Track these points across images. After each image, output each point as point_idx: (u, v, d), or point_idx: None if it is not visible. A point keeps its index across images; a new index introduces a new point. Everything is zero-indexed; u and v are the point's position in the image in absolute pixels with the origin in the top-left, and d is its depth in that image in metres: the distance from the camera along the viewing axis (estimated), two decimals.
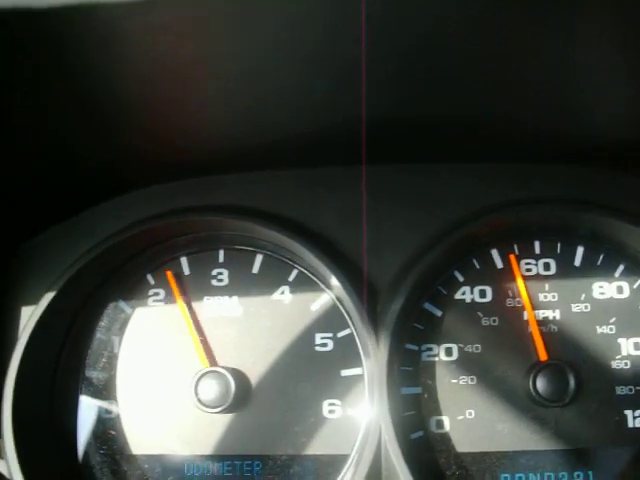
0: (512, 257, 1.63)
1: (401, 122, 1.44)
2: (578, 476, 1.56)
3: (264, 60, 1.18)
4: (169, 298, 1.67)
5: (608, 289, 1.63)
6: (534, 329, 1.58)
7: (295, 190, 1.64)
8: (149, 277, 1.69)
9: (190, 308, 1.66)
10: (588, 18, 1.07)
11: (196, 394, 1.57)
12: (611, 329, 1.60)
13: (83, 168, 1.53)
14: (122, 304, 1.69)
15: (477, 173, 1.62)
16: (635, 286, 1.62)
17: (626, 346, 1.59)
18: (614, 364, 1.59)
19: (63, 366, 1.64)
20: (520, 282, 1.61)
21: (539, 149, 1.57)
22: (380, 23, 1.05)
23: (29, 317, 1.56)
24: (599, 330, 1.61)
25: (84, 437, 1.64)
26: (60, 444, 1.61)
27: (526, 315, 1.60)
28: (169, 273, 1.67)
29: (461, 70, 1.23)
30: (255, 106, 1.35)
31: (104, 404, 1.65)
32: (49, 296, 1.56)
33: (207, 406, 1.56)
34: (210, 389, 1.56)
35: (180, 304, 1.65)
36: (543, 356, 1.56)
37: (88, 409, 1.65)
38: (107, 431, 1.63)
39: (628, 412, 1.57)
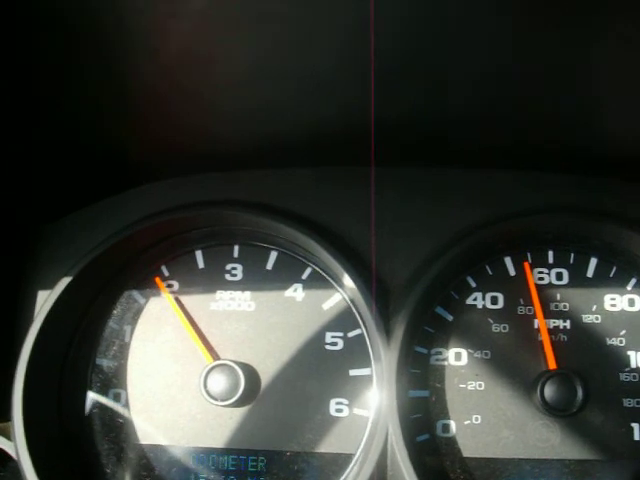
0: (525, 265, 1.64)
1: (417, 125, 1.45)
2: None
3: (280, 58, 1.20)
4: (183, 290, 1.69)
5: (620, 301, 1.62)
6: (544, 337, 1.58)
7: (312, 188, 1.65)
8: (164, 268, 1.71)
9: (202, 301, 1.67)
10: (610, 28, 1.09)
11: (205, 387, 1.58)
12: (621, 341, 1.60)
13: (105, 157, 1.55)
14: (135, 294, 1.70)
15: (495, 179, 1.63)
16: None
17: (635, 359, 1.59)
18: (622, 376, 1.58)
19: (74, 352, 1.66)
20: (532, 290, 1.62)
21: (557, 158, 1.58)
22: (393, 22, 1.07)
23: (44, 301, 1.57)
24: (609, 342, 1.60)
25: (92, 424, 1.65)
26: (68, 429, 1.63)
27: (537, 323, 1.61)
28: (157, 279, 1.69)
29: (478, 73, 1.25)
30: (273, 103, 1.37)
31: (113, 392, 1.66)
32: (65, 282, 1.58)
33: (215, 399, 1.57)
34: (219, 382, 1.57)
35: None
36: (552, 365, 1.57)
37: (97, 397, 1.67)
38: (115, 419, 1.65)
39: (635, 425, 1.56)
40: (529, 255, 1.64)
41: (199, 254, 1.70)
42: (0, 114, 1.29)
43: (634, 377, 1.58)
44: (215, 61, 1.21)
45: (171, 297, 1.67)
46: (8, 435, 1.53)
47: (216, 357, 1.63)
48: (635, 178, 1.60)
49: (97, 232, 1.63)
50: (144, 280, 1.71)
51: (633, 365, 1.59)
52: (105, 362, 1.68)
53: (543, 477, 1.56)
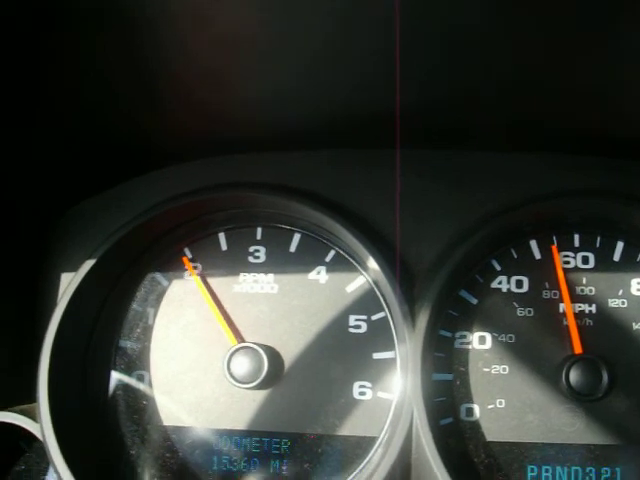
0: (553, 248, 1.62)
1: (441, 108, 1.44)
2: (606, 472, 1.54)
3: (305, 41, 1.18)
4: (206, 272, 1.68)
5: None
6: (571, 322, 1.57)
7: (336, 170, 1.64)
8: (187, 250, 1.70)
9: (226, 284, 1.67)
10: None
11: (228, 369, 1.58)
12: None
13: (128, 139, 1.55)
14: (159, 276, 1.70)
15: (521, 162, 1.61)
16: None
17: None
18: None
19: (98, 334, 1.67)
20: (558, 274, 1.60)
21: (586, 141, 1.55)
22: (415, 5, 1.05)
23: (68, 283, 1.58)
24: (635, 326, 1.59)
25: (116, 405, 1.66)
26: (93, 411, 1.64)
27: (562, 307, 1.59)
28: (185, 259, 1.69)
29: (503, 57, 1.23)
30: (297, 86, 1.36)
31: (136, 374, 1.67)
32: (88, 264, 1.58)
33: (239, 381, 1.57)
34: (243, 365, 1.58)
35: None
36: (578, 349, 1.55)
37: (120, 378, 1.67)
38: (138, 401, 1.66)
39: None
40: (555, 238, 1.62)
41: (222, 236, 1.69)
42: (28, 97, 1.30)
43: None
44: (240, 45, 1.20)
45: (198, 278, 1.67)
46: (34, 416, 1.54)
47: (240, 339, 1.63)
48: None
49: (120, 214, 1.63)
50: (167, 262, 1.71)
51: None
52: (129, 344, 1.68)
53: (567, 462, 1.55)
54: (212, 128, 1.53)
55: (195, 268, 1.69)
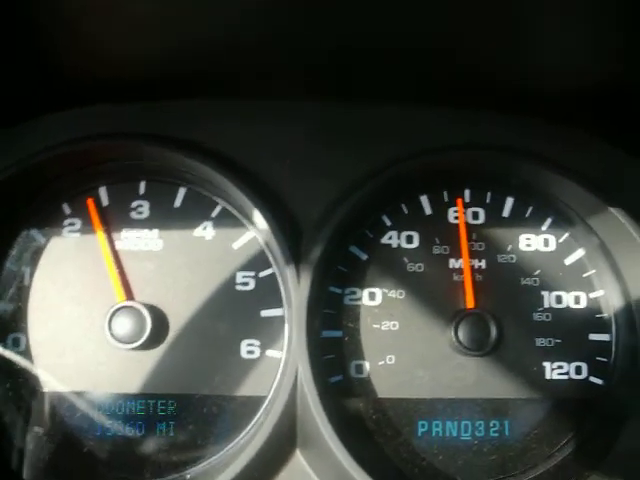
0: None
1: (327, 54, 1.38)
2: (494, 425, 1.57)
3: None
4: (86, 229, 1.60)
5: (535, 242, 1.63)
6: (466, 276, 1.57)
7: (222, 121, 1.57)
8: (65, 206, 1.61)
9: (108, 240, 1.58)
10: None
11: (110, 329, 1.51)
12: (535, 281, 1.61)
13: (4, 85, 1.43)
14: (35, 233, 1.60)
15: (412, 115, 1.58)
16: (561, 240, 1.63)
17: (548, 299, 1.61)
18: (536, 316, 1.60)
19: None
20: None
21: (476, 95, 1.53)
22: None
23: None
24: (523, 282, 1.61)
25: None
26: None
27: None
28: (90, 201, 1.59)
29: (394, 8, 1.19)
30: (184, 23, 1.27)
31: (12, 337, 1.57)
32: None
33: (121, 342, 1.51)
34: (124, 324, 1.52)
35: (99, 235, 1.58)
36: (471, 304, 1.56)
37: None
38: (13, 365, 1.56)
39: (546, 364, 1.59)
40: (445, 194, 1.62)
41: (103, 191, 1.61)
42: None
43: (547, 317, 1.60)
44: None
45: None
46: None
47: (130, 296, 1.56)
48: (553, 117, 1.58)
49: None
50: (44, 219, 1.60)
51: (546, 305, 1.60)
52: (2, 305, 1.58)
53: (457, 416, 1.57)
54: (90, 69, 1.42)
55: (72, 225, 1.60)
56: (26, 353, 1.57)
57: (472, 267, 1.59)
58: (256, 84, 1.51)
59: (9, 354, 1.57)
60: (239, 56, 1.39)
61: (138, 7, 1.20)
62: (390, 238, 1.60)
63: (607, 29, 1.23)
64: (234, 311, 1.57)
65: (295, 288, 1.47)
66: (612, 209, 1.53)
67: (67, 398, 1.56)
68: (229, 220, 1.60)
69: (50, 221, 1.61)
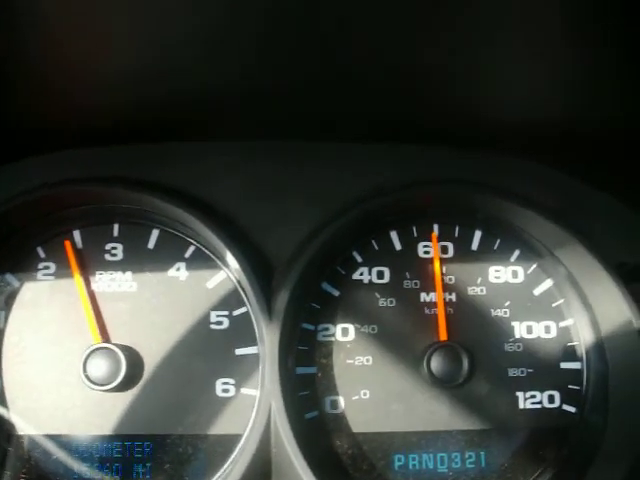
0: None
1: (294, 101, 1.42)
2: (470, 456, 1.59)
3: (165, 14, 1.13)
4: (60, 272, 1.61)
5: (504, 273, 1.66)
6: (440, 309, 1.59)
7: (192, 163, 1.59)
8: (39, 250, 1.62)
9: (83, 282, 1.59)
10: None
11: (85, 371, 1.51)
12: (505, 312, 1.64)
13: None
14: (9, 277, 1.61)
15: (378, 153, 1.61)
16: (529, 271, 1.66)
17: (519, 329, 1.63)
18: (507, 347, 1.62)
19: None
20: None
21: (438, 131, 1.57)
22: None
23: None
24: (494, 313, 1.64)
25: None
26: None
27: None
28: (67, 244, 1.60)
29: (346, 41, 1.21)
30: (149, 70, 1.30)
31: None
32: None
33: (96, 384, 1.51)
34: (100, 366, 1.51)
35: (76, 277, 1.58)
36: (444, 336, 1.58)
37: None
38: None
39: (519, 394, 1.61)
40: (415, 229, 1.65)
41: (77, 234, 1.62)
42: None
43: (518, 347, 1.62)
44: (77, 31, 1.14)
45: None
46: None
47: (105, 338, 1.57)
48: (517, 152, 1.62)
49: None
50: (18, 263, 1.61)
51: (517, 335, 1.63)
52: None
53: (431, 448, 1.58)
54: (61, 116, 1.44)
55: (48, 268, 1.61)
56: (0, 396, 1.56)
57: (443, 300, 1.61)
58: (224, 127, 1.54)
59: None
60: (208, 103, 1.43)
61: (108, 62, 1.23)
62: (361, 274, 1.62)
63: (566, 65, 1.26)
64: (209, 350, 1.58)
65: (268, 326, 1.48)
66: (575, 239, 1.56)
67: (43, 442, 1.55)
68: (202, 260, 1.61)
69: (24, 265, 1.62)
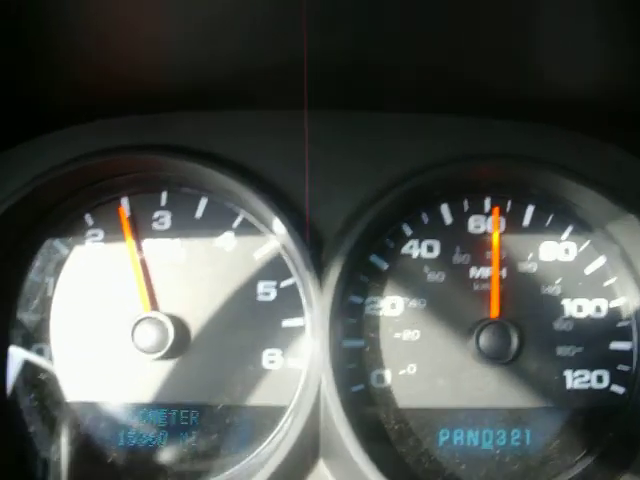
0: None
1: (350, 67, 1.39)
2: (515, 434, 1.57)
3: None
4: (109, 239, 1.61)
5: (555, 250, 1.62)
6: (494, 285, 1.57)
7: (243, 133, 1.57)
8: (87, 217, 1.62)
9: (135, 250, 1.59)
10: None
11: (133, 339, 1.52)
12: (555, 290, 1.61)
13: (23, 98, 1.44)
14: (58, 244, 1.61)
15: (432, 125, 1.58)
16: (582, 248, 1.63)
17: (569, 308, 1.60)
18: (556, 325, 1.60)
19: None
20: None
21: (494, 104, 1.54)
22: None
23: None
24: (544, 291, 1.61)
25: (12, 381, 1.57)
26: None
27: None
28: (121, 210, 1.60)
29: (409, 17, 1.19)
30: (198, 40, 1.28)
31: (36, 348, 1.59)
32: None
33: (144, 352, 1.52)
34: (148, 335, 1.52)
35: (128, 244, 1.58)
36: (495, 313, 1.56)
37: (17, 352, 1.58)
38: (37, 376, 1.58)
39: (567, 373, 1.58)
40: (466, 203, 1.62)
41: (125, 201, 1.62)
42: None
43: (567, 326, 1.59)
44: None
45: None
46: None
47: (154, 306, 1.57)
48: (573, 126, 1.58)
49: (16, 177, 1.52)
50: (67, 229, 1.62)
51: (567, 314, 1.60)
52: (26, 316, 1.60)
53: (478, 425, 1.57)
54: (112, 86, 1.43)
55: (95, 235, 1.61)
56: (50, 363, 1.58)
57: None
58: (274, 96, 1.52)
59: (33, 365, 1.58)
60: (255, 72, 1.41)
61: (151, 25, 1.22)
62: (411, 247, 1.60)
63: (623, 43, 1.23)
64: (256, 321, 1.57)
65: (317, 298, 1.47)
66: (632, 216, 1.52)
67: (90, 408, 1.57)
68: (250, 230, 1.60)
69: (73, 232, 1.62)
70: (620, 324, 1.61)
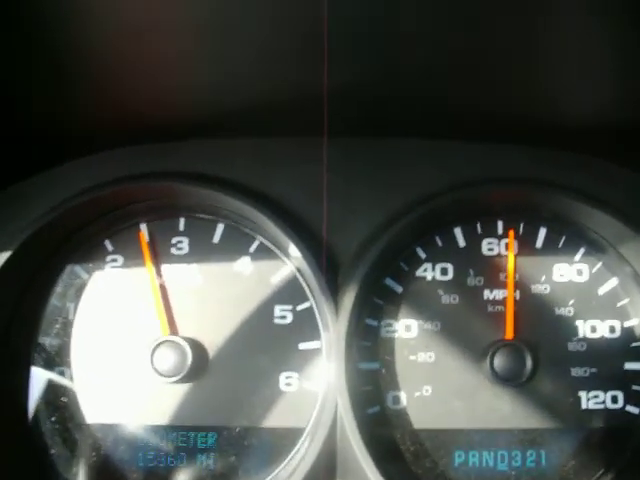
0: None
1: (366, 95, 1.42)
2: (531, 455, 1.58)
3: (229, 24, 1.14)
4: (128, 264, 1.64)
5: (568, 272, 1.64)
6: (509, 307, 1.58)
7: (259, 159, 1.60)
8: (107, 243, 1.65)
9: (155, 274, 1.63)
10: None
11: (152, 363, 1.55)
12: (569, 311, 1.62)
13: (40, 128, 1.48)
14: (78, 269, 1.65)
15: (444, 151, 1.60)
16: (594, 270, 1.64)
17: (583, 328, 1.61)
18: (571, 346, 1.60)
19: (15, 331, 1.61)
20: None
21: (506, 129, 1.56)
22: None
23: None
24: (557, 312, 1.62)
25: (34, 404, 1.60)
26: (10, 410, 1.58)
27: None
28: (141, 235, 1.64)
29: (426, 48, 1.22)
30: (219, 71, 1.32)
31: (57, 371, 1.62)
32: (2, 258, 1.51)
33: (163, 375, 1.54)
34: (166, 358, 1.55)
35: (148, 268, 1.61)
36: (510, 334, 1.57)
37: (40, 375, 1.62)
38: (59, 399, 1.61)
39: (582, 394, 1.59)
40: (479, 226, 1.64)
41: (144, 227, 1.65)
42: None
43: (582, 346, 1.60)
44: (158, 29, 1.16)
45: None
46: None
47: (173, 330, 1.60)
48: (583, 149, 1.60)
49: (35, 206, 1.56)
50: (87, 255, 1.65)
51: (581, 335, 1.61)
52: (48, 340, 1.63)
53: (494, 446, 1.57)
54: (130, 116, 1.47)
55: (116, 261, 1.65)
56: (70, 386, 1.61)
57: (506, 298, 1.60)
58: (291, 124, 1.55)
59: (55, 387, 1.61)
60: (272, 97, 1.44)
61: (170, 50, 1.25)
62: (425, 270, 1.62)
63: (637, 70, 1.25)
64: (272, 344, 1.60)
65: (333, 321, 1.49)
66: None
67: (110, 430, 1.59)
68: (266, 255, 1.63)
69: (93, 257, 1.65)
70: (634, 344, 1.61)
